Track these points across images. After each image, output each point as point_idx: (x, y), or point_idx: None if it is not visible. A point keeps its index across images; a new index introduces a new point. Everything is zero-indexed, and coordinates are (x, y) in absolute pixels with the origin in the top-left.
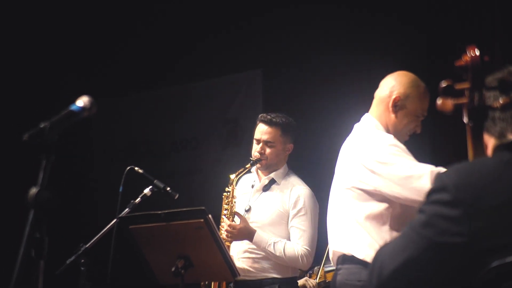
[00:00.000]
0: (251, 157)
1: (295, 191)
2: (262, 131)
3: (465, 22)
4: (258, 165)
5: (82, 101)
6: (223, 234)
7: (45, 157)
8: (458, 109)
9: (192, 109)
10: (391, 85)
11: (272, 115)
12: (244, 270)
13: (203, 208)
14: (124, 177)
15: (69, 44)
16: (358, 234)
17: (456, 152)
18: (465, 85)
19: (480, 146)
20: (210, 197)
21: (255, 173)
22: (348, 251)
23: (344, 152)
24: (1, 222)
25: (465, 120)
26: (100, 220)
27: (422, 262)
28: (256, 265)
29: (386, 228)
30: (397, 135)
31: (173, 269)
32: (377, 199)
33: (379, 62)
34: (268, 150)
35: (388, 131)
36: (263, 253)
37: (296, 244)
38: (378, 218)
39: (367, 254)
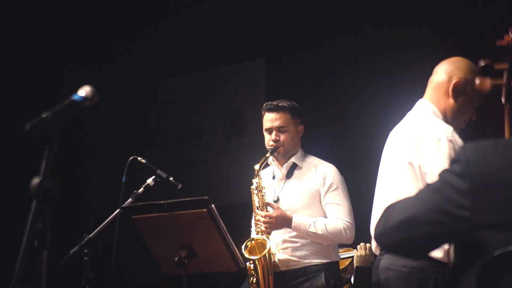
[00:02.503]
0: (268, 147)
1: (320, 169)
2: (271, 119)
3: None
4: (275, 153)
5: (84, 91)
6: (261, 226)
7: (48, 147)
8: (496, 89)
9: (195, 100)
10: (450, 70)
11: (276, 101)
12: (285, 260)
13: (206, 198)
14: (127, 167)
15: (72, 34)
16: None
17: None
18: (504, 66)
19: None
20: (214, 187)
21: (273, 164)
22: None
23: (396, 137)
24: (4, 212)
25: (503, 100)
26: (103, 210)
27: (424, 222)
28: (297, 254)
29: None
30: (455, 121)
31: (176, 259)
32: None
33: (382, 49)
34: (282, 136)
35: (445, 116)
36: (303, 241)
37: (336, 219)
38: None
39: None
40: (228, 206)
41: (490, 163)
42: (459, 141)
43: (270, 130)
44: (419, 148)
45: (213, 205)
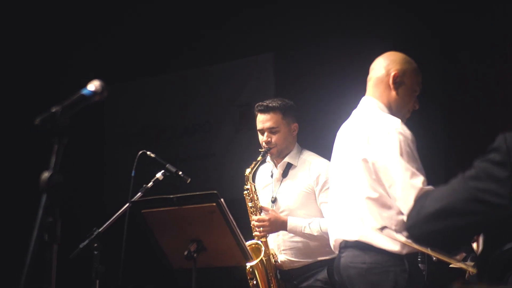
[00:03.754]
0: (260, 149)
1: (313, 167)
2: (262, 120)
3: None
4: (268, 154)
5: (93, 85)
6: (256, 231)
7: (57, 141)
8: None
9: (204, 93)
10: (386, 64)
11: (267, 102)
12: (288, 262)
13: (215, 192)
14: (136, 161)
15: (80, 28)
16: (362, 218)
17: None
18: None
19: None
20: (223, 181)
21: (270, 162)
22: (351, 237)
23: (348, 138)
24: (14, 207)
25: None
26: (112, 204)
27: (459, 212)
28: (299, 254)
29: (392, 212)
30: (400, 112)
31: (185, 253)
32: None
33: (392, 44)
34: (274, 137)
35: (390, 109)
36: (304, 240)
37: None
38: (381, 201)
39: (371, 238)
40: (237, 199)
41: None
42: (408, 132)
43: (262, 131)
44: (370, 144)
45: (222, 199)
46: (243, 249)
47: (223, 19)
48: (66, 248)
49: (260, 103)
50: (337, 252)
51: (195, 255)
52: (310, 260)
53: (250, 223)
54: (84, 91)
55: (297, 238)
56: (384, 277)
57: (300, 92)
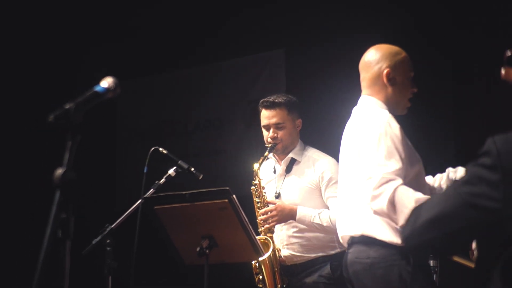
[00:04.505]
0: (266, 144)
1: (318, 164)
2: (268, 116)
3: None
4: (274, 150)
5: (106, 82)
6: (265, 225)
7: (71, 137)
8: None
9: (215, 89)
10: (375, 62)
11: (272, 97)
12: (291, 256)
13: (227, 188)
14: (149, 158)
15: (93, 25)
16: (365, 215)
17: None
18: None
19: None
20: (234, 177)
21: (273, 159)
22: (355, 233)
23: (349, 136)
24: (28, 203)
25: None
26: (125, 200)
27: (453, 217)
28: (302, 249)
29: None
30: (399, 104)
31: (197, 249)
32: None
33: (403, 40)
34: (280, 133)
35: (389, 105)
36: (308, 235)
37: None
38: None
39: (374, 232)
40: (249, 195)
41: None
42: (394, 125)
43: (267, 127)
44: (361, 143)
45: (234, 196)
46: (255, 245)
47: (235, 16)
48: (79, 244)
49: (265, 99)
50: (345, 246)
51: (207, 251)
52: (312, 255)
53: (257, 219)
54: (97, 88)
55: (301, 233)
56: (388, 271)
57: (311, 89)
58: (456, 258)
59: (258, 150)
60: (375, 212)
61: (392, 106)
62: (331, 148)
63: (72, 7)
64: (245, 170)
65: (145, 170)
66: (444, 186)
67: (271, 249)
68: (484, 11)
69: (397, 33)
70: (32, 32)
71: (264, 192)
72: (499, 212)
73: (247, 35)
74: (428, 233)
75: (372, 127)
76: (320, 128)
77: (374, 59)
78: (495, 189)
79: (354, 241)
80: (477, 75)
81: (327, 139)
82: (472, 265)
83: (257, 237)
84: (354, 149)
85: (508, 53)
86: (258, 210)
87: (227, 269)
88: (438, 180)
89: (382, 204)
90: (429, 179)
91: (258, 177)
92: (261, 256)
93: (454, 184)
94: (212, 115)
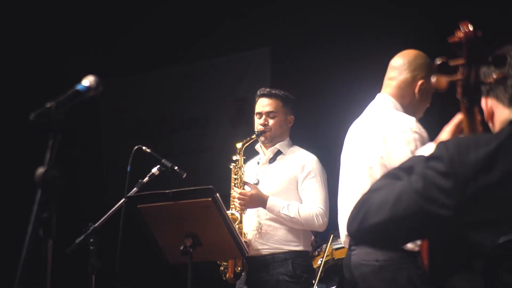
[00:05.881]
0: (255, 130)
1: (301, 157)
2: (263, 104)
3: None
4: (262, 138)
5: (88, 81)
6: (235, 203)
7: (52, 136)
8: (452, 86)
9: (200, 88)
10: (412, 68)
11: (271, 89)
12: (256, 243)
13: (211, 186)
14: (132, 157)
15: (76, 22)
16: None
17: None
18: (459, 61)
19: (474, 122)
20: (219, 176)
21: (260, 150)
22: None
23: (359, 131)
24: (9, 202)
25: (459, 96)
26: (108, 199)
27: (405, 223)
28: (267, 238)
29: None
30: (417, 113)
31: (181, 247)
32: None
33: (388, 41)
34: (271, 121)
35: (406, 110)
36: (276, 225)
37: (310, 205)
38: None
39: None
40: None
41: (474, 162)
42: (423, 131)
43: (260, 114)
44: (385, 143)
45: (217, 194)
46: (238, 243)
47: (220, 15)
48: (62, 243)
49: (263, 88)
50: (346, 246)
51: (191, 249)
52: (275, 248)
53: (230, 195)
54: (78, 87)
55: (269, 222)
56: (398, 274)
57: (296, 88)
58: None
59: (244, 148)
60: None
61: (409, 112)
62: (313, 146)
63: (58, 6)
64: (230, 168)
65: (128, 169)
66: None
67: (236, 222)
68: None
69: (384, 34)
70: (15, 30)
71: (243, 171)
72: (452, 219)
73: (232, 33)
74: (377, 235)
75: (401, 132)
76: (304, 127)
77: (411, 65)
78: (448, 196)
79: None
80: None
81: (310, 137)
82: None
83: (228, 212)
84: (370, 150)
85: (438, 61)
86: (234, 187)
87: (211, 267)
88: None
89: None
90: None
91: (240, 154)
92: (245, 255)
93: (407, 185)
94: (197, 114)
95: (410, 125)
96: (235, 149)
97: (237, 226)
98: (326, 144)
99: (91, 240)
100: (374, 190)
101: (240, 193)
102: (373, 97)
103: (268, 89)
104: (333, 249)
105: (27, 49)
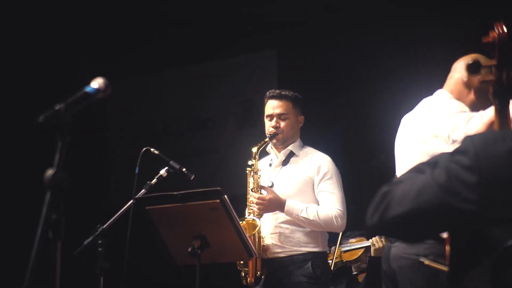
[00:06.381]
0: (267, 133)
1: (315, 158)
2: (273, 106)
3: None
4: (274, 140)
5: (96, 83)
6: (254, 208)
7: (61, 138)
8: (485, 86)
9: (207, 90)
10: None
11: (280, 90)
12: (274, 246)
13: (219, 188)
14: (140, 158)
15: (85, 25)
16: None
17: None
18: (492, 62)
19: (505, 122)
20: (226, 177)
21: (272, 152)
22: None
23: (413, 123)
24: (19, 204)
25: (491, 97)
26: (117, 201)
27: (426, 216)
28: (286, 240)
29: None
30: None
31: (189, 249)
32: None
33: (394, 44)
34: (282, 123)
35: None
36: (293, 227)
37: (328, 207)
38: None
39: None
40: (241, 196)
41: (500, 156)
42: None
43: (271, 117)
44: (439, 120)
45: (225, 196)
46: (246, 245)
47: (227, 16)
48: (70, 245)
49: (272, 90)
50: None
51: (199, 251)
52: (294, 249)
53: (248, 199)
54: (87, 89)
55: (286, 224)
56: (438, 270)
57: (302, 90)
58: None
59: (251, 150)
60: None
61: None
62: (321, 148)
63: (65, 9)
64: (237, 170)
65: (136, 171)
66: None
67: (257, 228)
68: None
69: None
70: (24, 32)
71: (259, 175)
72: (475, 214)
73: (240, 35)
74: (398, 228)
75: (451, 112)
76: (311, 129)
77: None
78: (471, 190)
79: None
80: None
81: (317, 139)
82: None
83: (246, 218)
84: (418, 134)
85: (469, 61)
86: (250, 191)
87: (218, 269)
88: None
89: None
90: None
91: (256, 159)
92: (253, 256)
93: (430, 178)
94: (204, 115)
95: (462, 108)
96: (242, 150)
97: (257, 231)
98: (333, 146)
99: (99, 241)
100: (396, 182)
101: (258, 198)
102: (378, 99)
103: (277, 91)
104: (341, 252)
105: (37, 51)
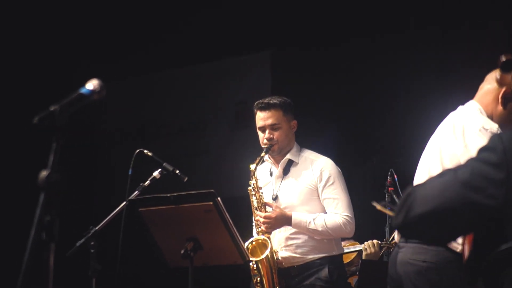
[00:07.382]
0: (262, 145)
1: (316, 164)
2: (264, 117)
3: None
4: (270, 151)
5: (91, 84)
6: (261, 227)
7: (55, 139)
8: None
9: (201, 91)
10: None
11: (267, 99)
12: (289, 258)
13: (212, 190)
14: (134, 160)
15: (80, 27)
16: None
17: None
18: None
19: None
20: (219, 179)
21: (269, 161)
22: None
23: (440, 134)
24: (12, 205)
25: None
26: (110, 202)
27: (450, 214)
28: (300, 250)
29: None
30: (501, 123)
31: (182, 251)
32: None
33: (388, 46)
34: (276, 134)
35: (491, 119)
36: (305, 237)
37: (335, 214)
38: None
39: None
40: (234, 198)
41: None
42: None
43: (263, 129)
44: (464, 136)
45: (219, 198)
46: (239, 248)
47: (221, 17)
48: (63, 246)
49: (260, 100)
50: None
51: (191, 253)
52: (310, 257)
53: (254, 219)
54: (82, 90)
55: (297, 235)
56: (444, 278)
57: (297, 91)
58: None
59: (244, 152)
60: None
61: (494, 121)
62: (317, 150)
63: (58, 9)
64: (230, 171)
65: (129, 172)
66: None
67: (268, 249)
68: None
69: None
70: (20, 33)
71: (261, 193)
72: (497, 209)
73: (233, 36)
74: (422, 227)
75: (477, 130)
76: (306, 130)
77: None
78: (497, 186)
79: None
80: None
81: (313, 141)
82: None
83: (256, 238)
84: (444, 146)
85: (503, 58)
86: (255, 211)
87: (211, 272)
88: None
89: None
90: None
91: (255, 177)
92: (246, 259)
93: (453, 176)
94: (197, 117)
95: (489, 127)
96: (236, 152)
97: (269, 251)
98: (328, 148)
99: (92, 243)
100: (420, 184)
101: (264, 217)
102: (373, 99)
103: (265, 101)
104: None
105: (36, 51)
